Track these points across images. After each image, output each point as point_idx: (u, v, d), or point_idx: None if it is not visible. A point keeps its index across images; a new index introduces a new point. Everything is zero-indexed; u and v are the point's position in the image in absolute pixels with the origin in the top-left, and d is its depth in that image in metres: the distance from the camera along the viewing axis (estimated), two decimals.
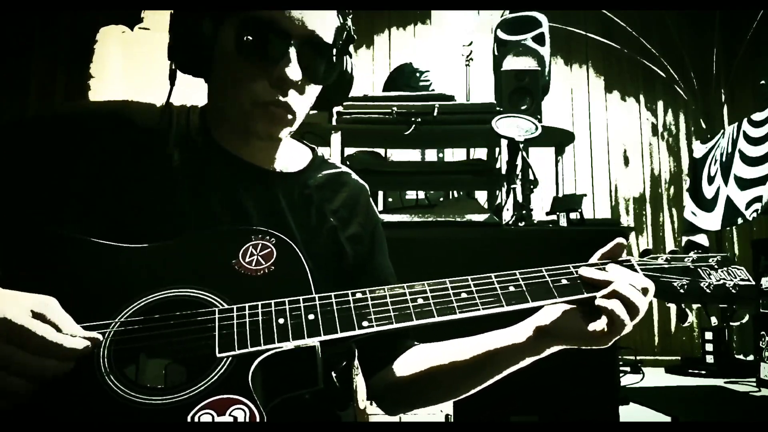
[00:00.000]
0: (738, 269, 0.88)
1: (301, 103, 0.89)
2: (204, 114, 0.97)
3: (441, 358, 0.93)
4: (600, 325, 0.79)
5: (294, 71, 0.84)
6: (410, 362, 0.97)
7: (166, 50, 0.89)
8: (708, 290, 0.86)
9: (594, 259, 0.86)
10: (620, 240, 0.86)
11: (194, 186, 0.90)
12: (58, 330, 0.68)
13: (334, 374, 0.88)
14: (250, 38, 0.83)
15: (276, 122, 0.88)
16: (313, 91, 0.91)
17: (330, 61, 0.89)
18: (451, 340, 0.94)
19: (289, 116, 0.88)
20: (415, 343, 1.01)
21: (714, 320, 0.92)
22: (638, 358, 4.46)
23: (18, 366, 0.65)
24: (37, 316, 0.67)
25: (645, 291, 0.80)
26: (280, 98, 0.86)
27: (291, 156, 1.01)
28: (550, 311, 0.84)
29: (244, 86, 0.85)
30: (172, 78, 0.92)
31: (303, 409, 0.78)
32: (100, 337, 0.71)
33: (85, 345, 0.69)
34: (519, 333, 0.86)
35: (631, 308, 0.78)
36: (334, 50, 0.89)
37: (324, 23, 0.88)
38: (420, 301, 0.78)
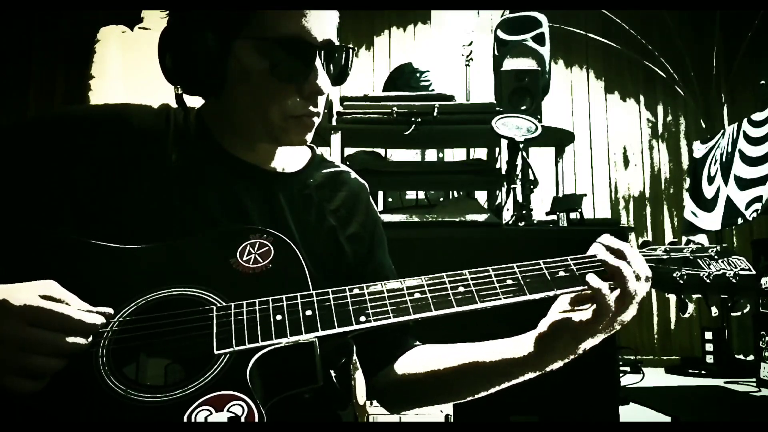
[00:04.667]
0: (738, 259, 0.87)
1: (323, 106, 0.91)
2: (202, 115, 0.97)
3: (446, 361, 0.92)
4: (587, 313, 0.79)
5: (324, 82, 0.86)
6: (413, 362, 0.96)
7: (160, 67, 0.87)
8: (708, 280, 0.85)
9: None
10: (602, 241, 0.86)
11: (193, 186, 0.90)
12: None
13: (333, 373, 0.88)
14: (283, 59, 0.83)
15: (309, 130, 0.90)
16: None
17: (345, 61, 0.92)
18: (457, 344, 0.94)
19: (317, 120, 0.90)
20: (417, 343, 1.01)
21: (714, 311, 0.91)
22: (638, 358, 4.46)
23: (46, 345, 0.68)
24: (46, 298, 0.69)
25: (644, 278, 0.80)
26: (312, 109, 0.88)
27: (290, 156, 1.01)
28: (547, 319, 0.84)
29: (275, 103, 0.86)
30: (181, 102, 0.92)
31: (303, 409, 0.78)
32: (111, 310, 0.74)
33: (102, 320, 0.73)
34: (524, 343, 0.85)
35: (622, 287, 0.78)
36: (344, 50, 0.91)
37: (333, 26, 0.89)
38: (417, 295, 0.78)
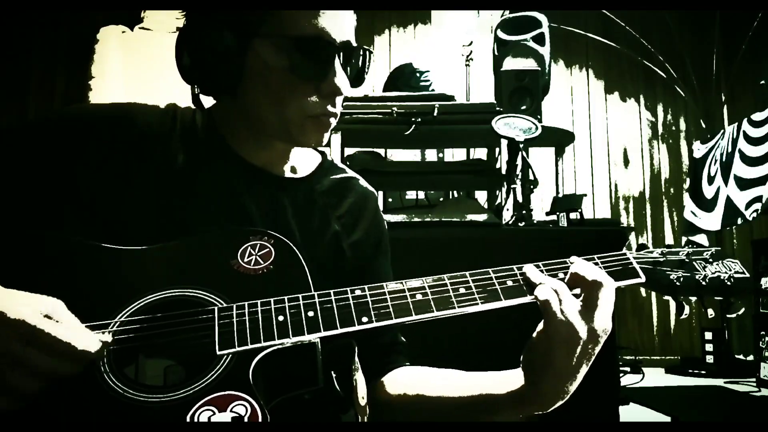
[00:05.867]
0: (732, 262, 0.89)
1: (340, 107, 0.90)
2: (211, 115, 0.96)
3: (433, 388, 0.91)
4: (539, 326, 0.77)
5: (343, 82, 0.86)
6: (401, 382, 0.96)
7: (172, 61, 0.86)
8: (703, 282, 0.87)
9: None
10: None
11: (197, 187, 0.90)
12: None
13: (334, 375, 0.88)
14: (302, 57, 0.83)
15: (326, 130, 0.89)
16: None
17: (363, 62, 0.91)
18: (448, 371, 0.93)
19: (335, 121, 0.90)
20: (407, 363, 1.00)
21: (711, 312, 0.92)
22: (638, 358, 4.46)
23: (32, 366, 0.65)
24: (46, 317, 0.67)
25: (595, 284, 0.77)
26: (330, 109, 0.87)
27: (300, 160, 1.00)
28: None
29: (292, 102, 0.85)
30: (198, 102, 0.91)
31: (304, 412, 0.78)
32: (110, 338, 0.71)
33: (98, 348, 0.69)
34: (512, 383, 0.82)
35: (563, 294, 0.77)
36: (362, 51, 0.91)
37: (352, 27, 0.89)
38: (419, 296, 0.79)
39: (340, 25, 0.86)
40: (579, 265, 0.81)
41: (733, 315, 0.87)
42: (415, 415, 0.92)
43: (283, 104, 0.86)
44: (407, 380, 0.96)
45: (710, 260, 0.89)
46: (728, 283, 0.87)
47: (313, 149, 1.05)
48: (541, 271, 0.82)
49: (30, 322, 0.65)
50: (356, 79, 0.91)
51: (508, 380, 0.83)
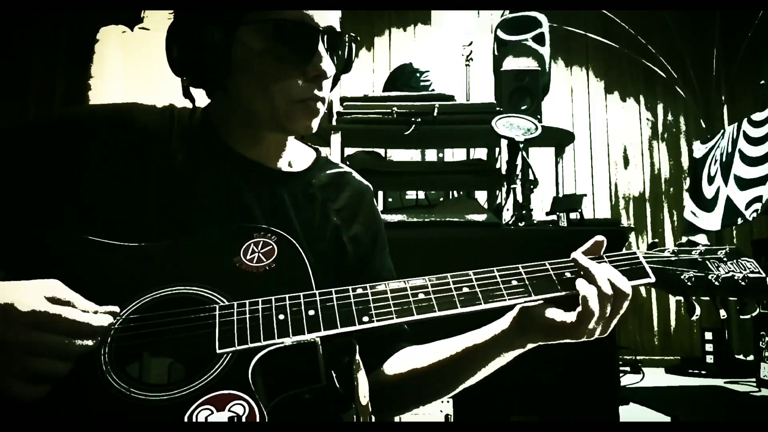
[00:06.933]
0: (748, 261, 0.86)
1: (328, 92, 0.91)
2: (207, 114, 0.97)
3: (422, 359, 0.93)
4: (570, 315, 0.79)
5: (328, 65, 0.86)
6: (395, 364, 0.97)
7: (167, 60, 0.88)
8: (716, 282, 0.84)
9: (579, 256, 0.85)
10: (599, 238, 0.86)
11: (197, 184, 0.90)
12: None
13: (335, 374, 0.88)
14: (285, 41, 0.84)
15: (314, 116, 0.90)
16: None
17: (350, 48, 0.92)
18: (433, 342, 0.95)
19: (323, 107, 0.90)
20: (405, 345, 1.01)
21: (723, 313, 0.90)
22: (638, 358, 4.46)
23: (57, 349, 0.68)
24: (52, 300, 0.69)
25: (621, 293, 0.80)
26: (317, 93, 0.87)
27: (296, 156, 1.01)
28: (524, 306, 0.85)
29: (278, 87, 0.86)
30: (188, 94, 0.92)
31: (304, 410, 0.78)
32: (117, 309, 0.74)
33: (110, 321, 0.73)
34: (496, 327, 0.87)
35: (604, 298, 0.79)
36: (347, 37, 0.91)
37: (336, 16, 0.90)
38: (421, 296, 0.78)
39: (323, 12, 0.87)
40: (610, 271, 0.81)
41: (747, 316, 0.84)
42: (413, 389, 0.95)
43: (270, 90, 0.86)
44: (401, 360, 0.97)
45: (724, 259, 0.86)
46: (742, 283, 0.84)
47: (308, 146, 1.06)
48: (547, 270, 0.83)
49: (41, 309, 0.67)
50: (343, 66, 0.92)
51: (491, 330, 0.87)
